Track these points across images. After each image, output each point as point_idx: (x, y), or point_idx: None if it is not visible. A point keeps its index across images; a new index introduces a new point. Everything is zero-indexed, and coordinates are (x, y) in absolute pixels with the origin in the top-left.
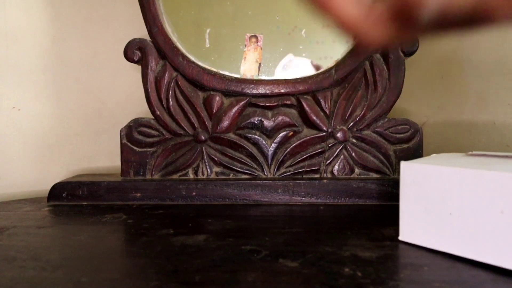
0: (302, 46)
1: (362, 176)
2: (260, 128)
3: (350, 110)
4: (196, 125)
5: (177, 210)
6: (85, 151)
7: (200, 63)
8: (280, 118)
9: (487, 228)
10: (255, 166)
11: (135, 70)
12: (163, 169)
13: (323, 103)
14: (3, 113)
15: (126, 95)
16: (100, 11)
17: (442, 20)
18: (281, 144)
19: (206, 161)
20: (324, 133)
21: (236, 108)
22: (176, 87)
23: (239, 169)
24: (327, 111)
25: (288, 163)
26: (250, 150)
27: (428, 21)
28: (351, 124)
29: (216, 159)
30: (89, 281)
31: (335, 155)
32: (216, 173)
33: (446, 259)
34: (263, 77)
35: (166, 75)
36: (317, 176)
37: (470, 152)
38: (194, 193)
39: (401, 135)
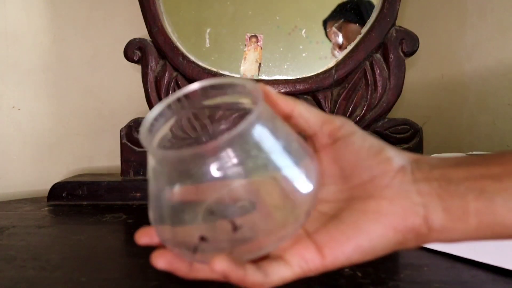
0: (302, 46)
1: None
2: None
3: (350, 110)
4: (195, 126)
5: None
6: (85, 151)
7: (200, 63)
8: None
9: None
10: None
11: (135, 70)
12: None
13: (323, 103)
14: (3, 113)
15: (126, 95)
16: (100, 11)
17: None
18: None
19: None
20: None
21: None
22: (176, 87)
23: None
24: (327, 111)
25: None
26: None
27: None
28: None
29: None
30: (89, 281)
31: None
32: None
33: (446, 260)
34: (263, 77)
35: (166, 75)
36: None
37: (470, 153)
38: None
39: (401, 135)
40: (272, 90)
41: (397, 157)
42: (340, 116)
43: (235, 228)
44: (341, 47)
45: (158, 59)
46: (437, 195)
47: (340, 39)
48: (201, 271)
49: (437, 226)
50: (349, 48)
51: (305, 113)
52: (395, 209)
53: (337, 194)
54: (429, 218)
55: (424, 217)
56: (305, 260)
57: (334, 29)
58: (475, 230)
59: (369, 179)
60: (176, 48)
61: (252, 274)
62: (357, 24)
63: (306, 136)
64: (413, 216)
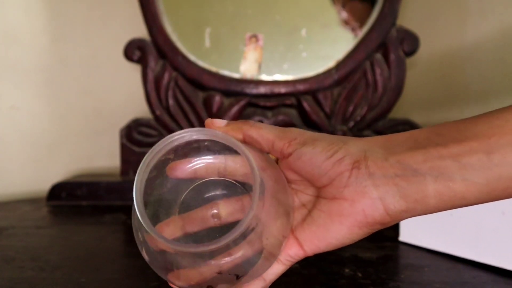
0: (302, 45)
1: None
2: None
3: (350, 110)
4: (195, 125)
5: None
6: (84, 151)
7: (200, 63)
8: (280, 118)
9: (488, 229)
10: None
11: (135, 70)
12: None
13: (323, 103)
14: (1, 113)
15: (125, 95)
16: (99, 11)
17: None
18: None
19: None
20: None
21: (236, 108)
22: (176, 87)
23: None
24: (327, 111)
25: None
26: None
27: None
28: (352, 124)
29: None
30: (88, 282)
31: None
32: None
33: (447, 260)
34: (263, 77)
35: (166, 75)
36: None
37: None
38: None
39: None
40: (221, 123)
41: (350, 152)
42: (292, 128)
43: (238, 277)
44: (347, 23)
45: (157, 59)
46: (394, 184)
47: (344, 15)
48: None
49: (398, 212)
50: (349, 47)
51: (255, 135)
52: (356, 210)
53: (311, 189)
54: (389, 208)
55: (383, 209)
56: (290, 255)
57: (338, 6)
58: (435, 207)
59: (328, 182)
60: (175, 48)
61: (252, 286)
62: (363, 1)
63: None
64: (374, 212)
